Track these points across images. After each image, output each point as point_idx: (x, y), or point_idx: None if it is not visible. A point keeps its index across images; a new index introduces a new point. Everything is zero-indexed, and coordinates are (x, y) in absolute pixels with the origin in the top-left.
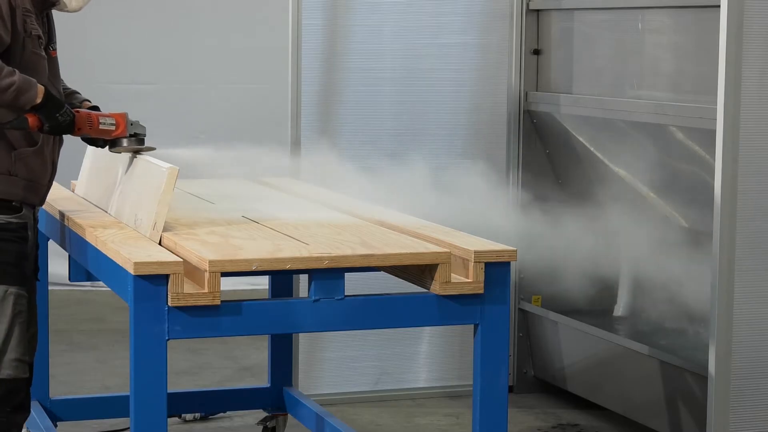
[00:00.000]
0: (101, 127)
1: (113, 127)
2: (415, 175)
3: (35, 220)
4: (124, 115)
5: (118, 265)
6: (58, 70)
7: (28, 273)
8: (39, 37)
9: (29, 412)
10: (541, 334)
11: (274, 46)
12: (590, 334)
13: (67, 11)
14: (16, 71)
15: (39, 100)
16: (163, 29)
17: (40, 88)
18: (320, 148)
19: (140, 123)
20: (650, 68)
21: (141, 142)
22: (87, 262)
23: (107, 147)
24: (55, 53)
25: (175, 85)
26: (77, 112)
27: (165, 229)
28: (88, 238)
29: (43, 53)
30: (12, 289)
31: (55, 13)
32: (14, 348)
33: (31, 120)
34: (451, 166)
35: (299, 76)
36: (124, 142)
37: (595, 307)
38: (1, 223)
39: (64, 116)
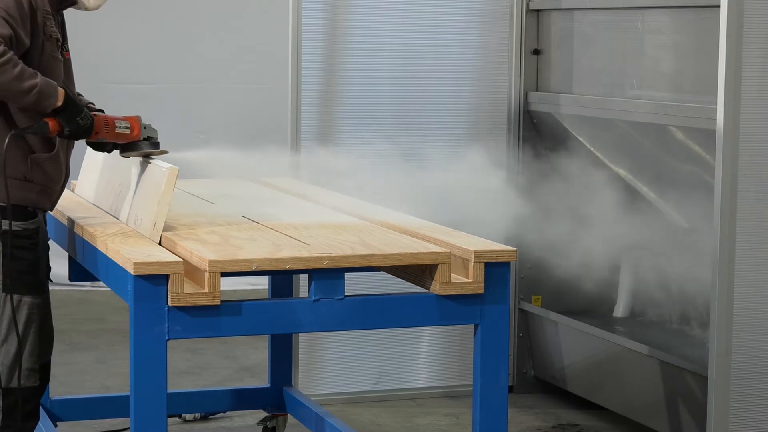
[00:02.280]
0: (117, 131)
1: (128, 131)
2: (414, 174)
3: (45, 222)
4: (137, 119)
5: (118, 265)
6: (72, 72)
7: (43, 278)
8: (57, 39)
9: (39, 418)
10: (541, 334)
11: (275, 46)
12: (590, 334)
13: (86, 9)
14: (38, 73)
15: (60, 104)
16: (163, 29)
17: (61, 91)
18: (320, 148)
19: (152, 126)
20: (650, 68)
21: (156, 145)
22: (87, 262)
23: (117, 151)
24: (68, 54)
25: (175, 85)
26: (95, 115)
27: (165, 229)
28: (88, 239)
29: (60, 56)
30: (27, 299)
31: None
32: (27, 358)
33: (51, 124)
34: (451, 166)
35: (299, 76)
36: (139, 146)
37: (595, 307)
38: (17, 230)
39: (84, 120)
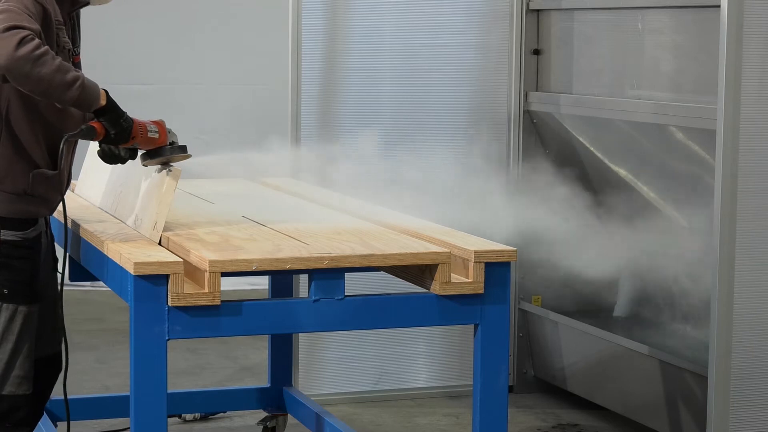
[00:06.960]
0: (149, 135)
1: (157, 136)
2: (413, 175)
3: (46, 223)
4: (163, 123)
5: (118, 265)
6: None
7: (42, 285)
8: (69, 50)
9: (32, 427)
10: (541, 334)
11: (274, 46)
12: (590, 334)
13: (98, 3)
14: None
15: (104, 103)
16: (162, 29)
17: (102, 90)
18: (320, 148)
19: (172, 130)
20: (650, 68)
21: (183, 149)
22: (87, 262)
23: (138, 158)
24: (78, 58)
25: (175, 85)
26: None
27: (165, 229)
28: (89, 239)
29: (71, 66)
30: (22, 308)
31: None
32: (20, 365)
33: (98, 128)
34: (451, 166)
35: (299, 76)
36: (164, 152)
37: (595, 307)
38: (16, 240)
39: (126, 122)
